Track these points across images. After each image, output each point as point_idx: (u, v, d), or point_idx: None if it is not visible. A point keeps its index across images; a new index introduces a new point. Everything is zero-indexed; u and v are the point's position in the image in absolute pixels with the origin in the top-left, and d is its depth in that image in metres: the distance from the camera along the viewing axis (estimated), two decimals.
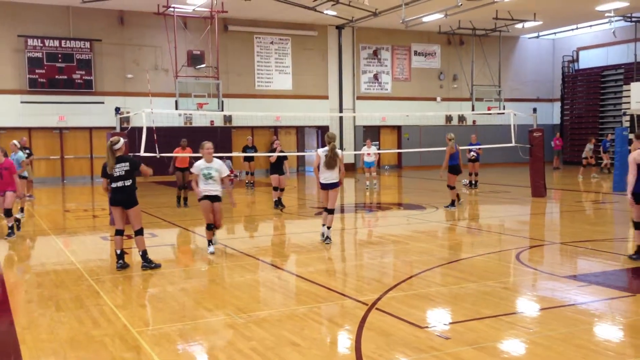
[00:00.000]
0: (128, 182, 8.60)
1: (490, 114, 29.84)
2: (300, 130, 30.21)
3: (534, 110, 18.46)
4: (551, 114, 35.45)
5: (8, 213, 11.55)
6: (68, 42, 24.87)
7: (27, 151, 18.81)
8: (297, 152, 29.21)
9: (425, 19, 25.48)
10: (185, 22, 26.13)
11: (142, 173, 8.84)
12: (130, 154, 10.75)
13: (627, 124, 27.94)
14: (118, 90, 25.81)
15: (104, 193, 8.94)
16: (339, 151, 10.47)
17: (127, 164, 8.62)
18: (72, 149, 25.94)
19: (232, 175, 23.43)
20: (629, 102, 29.55)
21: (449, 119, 32.26)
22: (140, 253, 8.76)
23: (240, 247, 10.36)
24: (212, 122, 27.49)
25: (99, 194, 20.09)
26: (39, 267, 9.15)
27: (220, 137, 27.19)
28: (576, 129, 33.51)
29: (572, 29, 32.46)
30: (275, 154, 15.67)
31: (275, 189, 15.53)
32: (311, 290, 7.41)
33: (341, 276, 8.54)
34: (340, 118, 29.68)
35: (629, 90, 25.45)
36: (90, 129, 25.82)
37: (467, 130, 30.94)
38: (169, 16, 24.69)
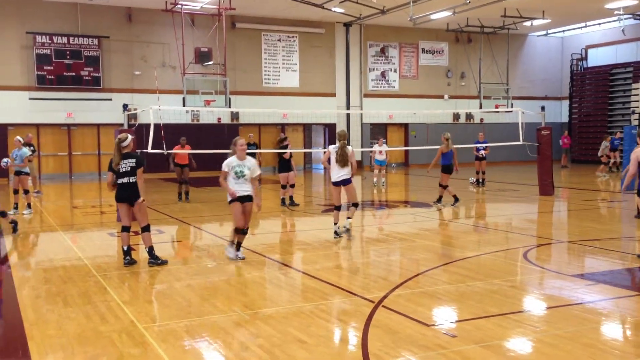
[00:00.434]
0: (133, 179, 8.62)
1: (498, 112, 29.78)
2: (307, 128, 30.21)
3: (542, 108, 18.39)
4: (559, 112, 35.30)
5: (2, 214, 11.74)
6: (76, 39, 24.95)
7: (32, 148, 18.91)
8: (304, 149, 29.22)
9: (433, 17, 25.42)
10: (193, 19, 26.17)
11: (137, 174, 8.66)
12: (137, 150, 10.77)
13: (636, 122, 27.81)
14: (126, 87, 25.87)
15: (110, 188, 8.93)
16: (349, 148, 10.55)
17: (134, 160, 8.64)
18: (80, 145, 26.03)
19: None
20: (638, 101, 29.47)
21: (456, 116, 32.18)
22: (147, 249, 8.78)
23: (247, 244, 10.36)
24: (219, 119, 27.52)
25: (107, 191, 20.14)
26: (46, 263, 9.19)
27: (227, 135, 27.23)
28: (584, 127, 33.35)
29: (581, 27, 32.28)
30: (289, 151, 15.84)
31: (284, 187, 15.56)
32: (318, 287, 7.41)
33: (348, 273, 8.54)
34: (348, 115, 29.67)
35: (638, 88, 25.39)
36: (98, 125, 25.90)
37: (475, 128, 30.89)
38: (176, 13, 24.72)
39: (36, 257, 10.09)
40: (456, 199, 15.00)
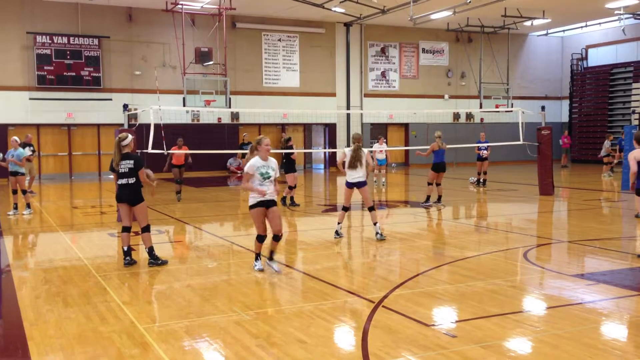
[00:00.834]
0: (132, 180, 8.61)
1: (498, 111, 29.77)
2: (307, 128, 30.21)
3: (543, 108, 18.39)
4: (560, 112, 35.29)
5: None
6: (76, 39, 24.96)
7: (31, 148, 18.91)
8: (305, 149, 29.22)
9: (433, 17, 25.42)
10: (193, 19, 26.17)
11: (140, 177, 8.64)
12: (137, 151, 10.76)
13: (637, 122, 27.81)
14: (126, 87, 25.88)
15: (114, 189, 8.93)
16: (364, 150, 10.65)
17: (132, 161, 8.62)
18: (80, 145, 26.03)
19: (240, 172, 23.48)
20: (638, 100, 29.47)
21: (456, 116, 32.18)
22: (147, 250, 8.78)
23: (247, 244, 10.37)
24: (219, 119, 27.53)
25: (107, 191, 20.17)
26: (46, 263, 9.19)
27: (228, 135, 27.25)
28: (585, 127, 33.34)
29: (581, 27, 32.28)
30: (296, 151, 15.87)
31: (291, 187, 15.55)
32: (318, 287, 7.41)
33: (348, 273, 8.54)
34: (348, 115, 29.67)
35: (639, 88, 25.36)
36: (98, 125, 25.90)
37: (475, 128, 30.90)
38: (177, 13, 24.74)
39: (36, 257, 10.08)
40: (427, 199, 15.09)
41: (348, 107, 30.01)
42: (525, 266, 8.61)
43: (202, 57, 26.49)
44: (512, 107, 29.22)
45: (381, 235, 10.52)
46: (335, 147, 29.36)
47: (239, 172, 24.00)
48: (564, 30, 33.66)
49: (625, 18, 27.84)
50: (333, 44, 29.98)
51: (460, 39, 32.12)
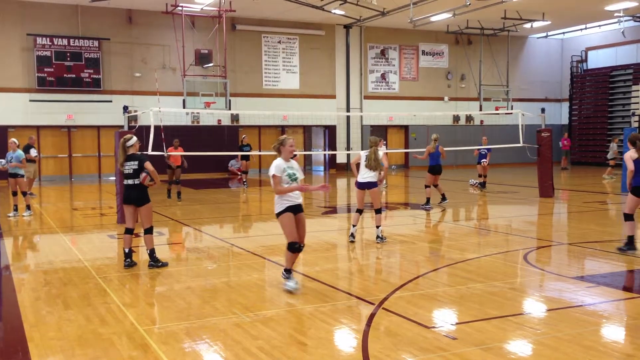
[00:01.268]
0: (137, 181, 8.61)
1: (498, 114, 29.77)
2: (307, 130, 30.22)
3: (542, 110, 18.43)
4: (559, 114, 35.30)
5: None
6: (77, 40, 24.97)
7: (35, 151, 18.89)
8: (304, 151, 29.23)
9: (433, 19, 25.44)
10: (193, 21, 26.19)
11: (146, 168, 8.55)
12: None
13: (637, 125, 27.79)
14: (126, 89, 25.89)
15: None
16: (380, 153, 10.73)
17: (136, 162, 8.63)
18: (80, 147, 26.03)
19: (240, 174, 23.44)
20: (638, 103, 29.41)
21: (456, 118, 32.18)
22: (148, 251, 8.77)
23: (247, 246, 10.37)
24: (219, 121, 27.53)
25: (107, 193, 20.16)
26: (46, 265, 9.18)
27: (227, 136, 27.25)
28: (584, 129, 33.35)
29: (581, 29, 32.30)
30: (299, 153, 15.98)
31: None
32: (318, 289, 7.41)
33: (348, 275, 8.54)
34: (348, 117, 29.68)
35: (638, 90, 25.34)
36: (98, 127, 25.91)
37: (475, 130, 30.92)
38: (177, 15, 24.75)
39: (36, 259, 10.07)
40: (427, 201, 15.15)
41: (348, 109, 30.04)
42: (526, 268, 8.61)
43: (202, 59, 26.51)
44: (512, 109, 29.24)
45: (382, 238, 10.52)
46: (335, 149, 29.38)
47: (239, 173, 23.99)
48: (563, 33, 33.69)
49: (625, 20, 27.87)
50: (333, 46, 30.00)
51: (460, 41, 32.14)
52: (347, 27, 29.79)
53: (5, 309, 7.02)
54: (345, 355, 5.39)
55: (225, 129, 27.45)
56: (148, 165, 8.61)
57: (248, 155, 21.90)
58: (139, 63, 26.22)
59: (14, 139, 15.08)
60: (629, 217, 9.33)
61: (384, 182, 20.84)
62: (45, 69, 24.49)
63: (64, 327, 6.07)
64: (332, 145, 29.84)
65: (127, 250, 8.77)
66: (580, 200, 17.15)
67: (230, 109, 25.19)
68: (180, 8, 24.24)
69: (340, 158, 30.38)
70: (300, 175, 7.52)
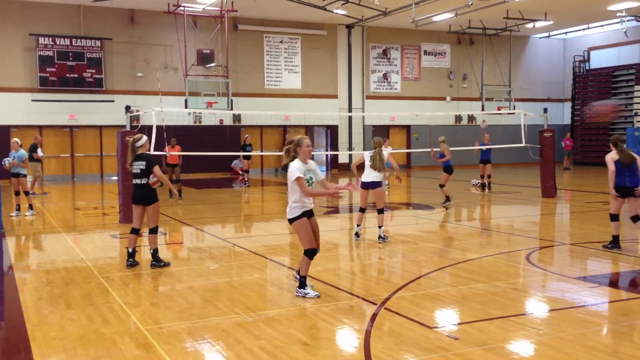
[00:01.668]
0: (144, 181, 8.60)
1: (500, 114, 29.75)
2: (309, 130, 30.20)
3: (545, 110, 18.38)
4: (562, 114, 35.28)
5: None
6: (79, 40, 24.99)
7: (41, 150, 18.92)
8: None
9: (435, 19, 25.43)
10: (195, 21, 26.20)
11: (154, 172, 8.57)
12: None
13: (639, 124, 27.77)
14: (128, 89, 25.91)
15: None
16: (385, 154, 10.75)
17: (144, 163, 8.62)
18: (82, 147, 26.07)
19: (242, 174, 23.42)
20: None
21: (458, 118, 32.17)
22: (152, 251, 8.76)
23: (249, 246, 10.38)
24: (221, 120, 27.54)
25: (109, 192, 20.18)
26: (49, 264, 9.19)
27: (229, 136, 27.25)
28: (587, 129, 33.31)
29: (583, 29, 32.28)
30: None
31: None
32: (320, 289, 7.40)
33: (350, 275, 8.53)
34: (350, 117, 29.67)
35: None
36: (101, 127, 25.94)
37: (477, 130, 30.86)
38: (179, 15, 24.77)
39: (38, 258, 10.08)
40: (448, 199, 15.36)
41: (350, 109, 30.03)
42: (528, 269, 8.60)
43: (204, 59, 26.52)
44: (514, 109, 29.22)
45: (384, 238, 10.52)
46: (337, 149, 29.38)
47: (242, 173, 23.99)
48: (566, 33, 33.66)
49: (628, 20, 27.82)
50: (335, 45, 30.00)
51: (462, 41, 32.12)
52: (349, 27, 29.79)
53: (7, 309, 7.02)
54: (348, 355, 5.39)
55: (227, 129, 27.46)
56: (157, 170, 8.57)
57: (249, 155, 21.98)
58: (141, 63, 26.24)
59: (16, 139, 15.10)
60: (614, 218, 9.54)
61: (387, 182, 20.85)
62: (48, 69, 24.52)
63: (66, 327, 6.07)
64: (334, 145, 29.84)
65: (130, 250, 8.77)
66: (582, 201, 17.12)
67: (232, 109, 25.20)
68: (182, 8, 24.26)
69: (342, 158, 30.38)
70: (319, 175, 7.17)
